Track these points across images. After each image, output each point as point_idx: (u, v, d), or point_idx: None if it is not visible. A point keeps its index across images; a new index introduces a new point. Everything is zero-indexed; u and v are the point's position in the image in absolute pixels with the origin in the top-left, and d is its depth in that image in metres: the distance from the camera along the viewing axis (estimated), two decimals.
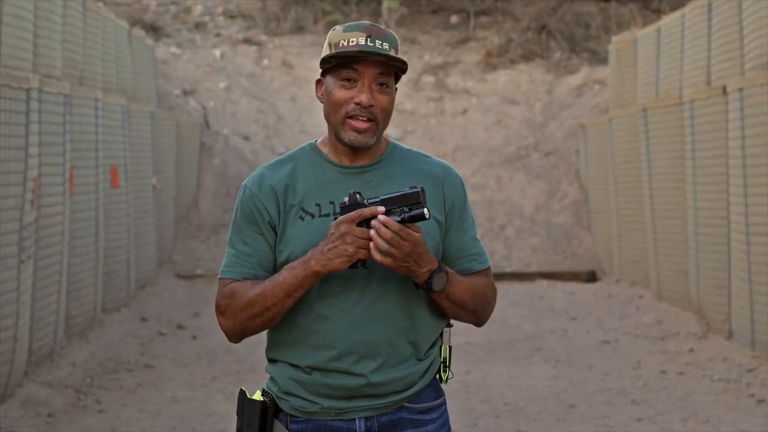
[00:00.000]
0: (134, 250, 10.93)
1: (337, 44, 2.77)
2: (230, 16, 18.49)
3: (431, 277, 2.73)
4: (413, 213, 2.68)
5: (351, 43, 2.75)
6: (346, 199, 2.71)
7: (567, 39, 17.28)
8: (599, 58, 16.63)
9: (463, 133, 15.86)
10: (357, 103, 2.75)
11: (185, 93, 15.69)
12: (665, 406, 7.12)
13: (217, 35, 17.85)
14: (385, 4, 18.15)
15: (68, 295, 8.54)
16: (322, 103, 2.83)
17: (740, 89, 8.09)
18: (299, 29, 18.17)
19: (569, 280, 12.94)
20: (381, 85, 2.78)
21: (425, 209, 2.67)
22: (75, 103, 8.65)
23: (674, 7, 16.17)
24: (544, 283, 12.74)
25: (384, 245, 2.66)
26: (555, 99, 16.13)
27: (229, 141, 15.13)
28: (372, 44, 2.75)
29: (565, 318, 10.61)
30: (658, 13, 17.22)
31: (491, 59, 17.19)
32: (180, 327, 10.19)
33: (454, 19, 18.33)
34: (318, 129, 15.69)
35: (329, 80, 2.80)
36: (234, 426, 6.96)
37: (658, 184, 10.67)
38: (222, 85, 16.29)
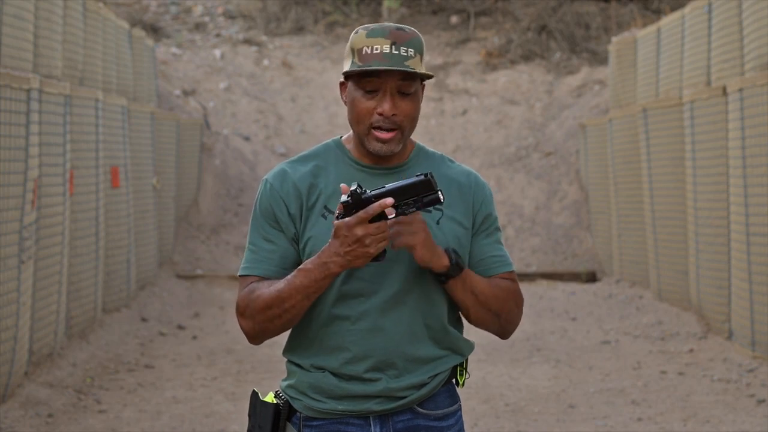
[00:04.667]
0: (134, 251, 10.93)
1: (360, 50, 2.70)
2: (230, 16, 18.49)
3: (449, 254, 2.69)
4: (429, 199, 2.61)
5: (375, 51, 2.69)
6: (348, 198, 2.62)
7: (567, 39, 17.28)
8: (599, 58, 16.64)
9: (463, 133, 15.86)
10: (380, 114, 2.71)
11: (185, 93, 15.70)
12: (665, 406, 7.12)
13: (218, 36, 17.86)
14: (385, 5, 18.15)
15: (68, 295, 8.54)
16: (346, 106, 2.79)
17: (740, 89, 8.09)
18: (299, 29, 18.18)
19: (569, 280, 12.94)
20: (403, 91, 2.72)
21: (439, 192, 2.61)
22: (75, 103, 8.65)
23: (674, 7, 16.19)
24: (544, 283, 12.74)
25: (401, 229, 2.63)
26: (555, 99, 16.14)
27: (230, 141, 15.14)
28: (396, 51, 2.69)
29: (565, 318, 10.61)
30: (658, 13, 17.23)
31: (491, 59, 17.19)
32: (180, 327, 10.19)
33: (454, 19, 18.33)
34: (318, 129, 15.70)
35: (351, 87, 2.74)
36: (235, 426, 6.98)
37: (658, 184, 10.67)
38: (222, 85, 16.30)
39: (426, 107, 16.30)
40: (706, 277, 9.22)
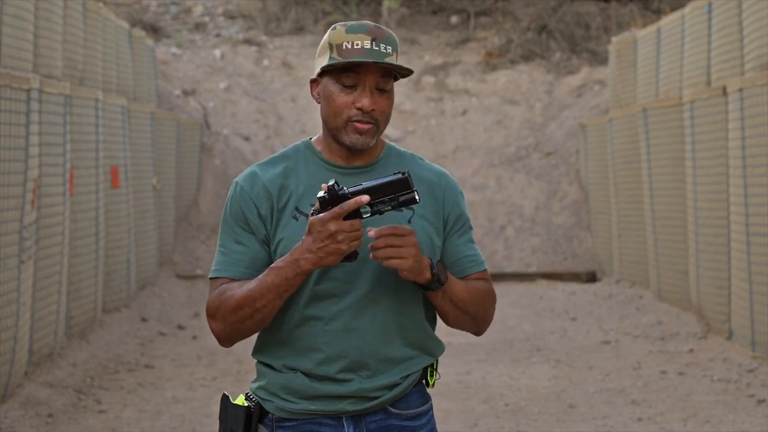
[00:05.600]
0: (134, 251, 10.93)
1: (339, 46, 2.70)
2: (230, 16, 18.49)
3: (433, 268, 2.69)
4: (404, 198, 2.60)
5: (356, 46, 2.69)
6: (324, 193, 2.61)
7: (567, 39, 17.28)
8: (599, 58, 16.64)
9: (463, 133, 15.86)
10: (359, 108, 2.71)
11: (185, 93, 15.70)
12: (665, 406, 7.12)
13: (218, 36, 17.86)
14: (385, 5, 18.15)
15: (68, 295, 8.54)
16: (318, 103, 2.78)
17: (740, 89, 8.09)
18: (299, 29, 18.18)
19: (569, 280, 12.94)
20: (381, 88, 2.73)
21: (416, 192, 2.61)
22: (75, 103, 8.65)
23: (674, 7, 16.19)
24: (544, 283, 12.74)
25: (391, 252, 2.62)
26: (555, 99, 16.13)
27: (230, 141, 15.14)
28: (377, 48, 2.70)
29: (565, 318, 10.61)
30: (658, 13, 17.24)
31: (491, 59, 17.19)
32: (180, 327, 10.19)
33: (454, 19, 18.33)
34: (318, 129, 15.64)
35: (328, 82, 2.74)
36: None
37: (658, 184, 10.67)
38: (222, 85, 16.30)
39: (426, 107, 16.30)
40: (706, 277, 9.22)
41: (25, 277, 7.00)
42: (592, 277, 13.01)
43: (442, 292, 2.72)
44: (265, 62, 17.20)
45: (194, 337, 9.73)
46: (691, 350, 8.77)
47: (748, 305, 8.05)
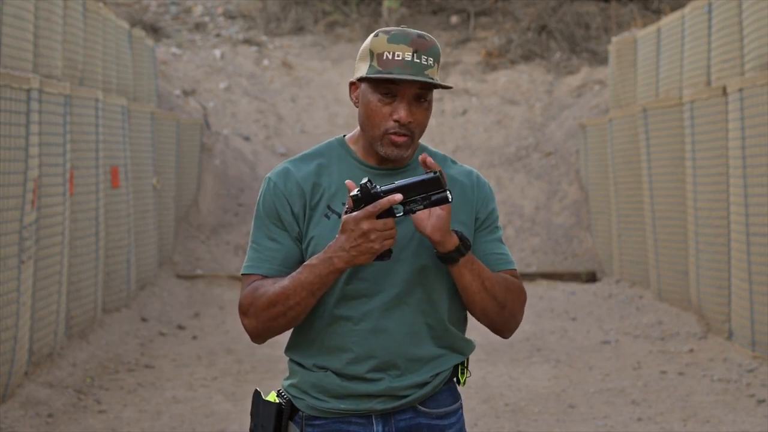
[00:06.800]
0: (134, 251, 10.93)
1: (380, 55, 2.69)
2: (230, 16, 18.49)
3: (458, 233, 2.68)
4: (436, 198, 2.61)
5: (396, 57, 2.68)
6: (357, 191, 2.61)
7: (567, 39, 17.28)
8: (599, 58, 16.64)
9: (463, 133, 15.86)
10: (396, 120, 2.70)
11: (185, 93, 15.69)
12: (665, 406, 7.12)
13: (218, 36, 17.86)
14: (385, 5, 18.15)
15: (68, 295, 8.54)
16: (356, 107, 2.78)
17: (740, 89, 8.09)
18: (299, 29, 18.18)
19: (569, 280, 12.94)
20: (419, 99, 2.73)
21: (448, 192, 2.61)
22: (75, 103, 8.65)
23: (674, 7, 16.18)
24: (544, 283, 12.74)
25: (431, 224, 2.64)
26: (555, 99, 16.13)
27: (230, 141, 15.13)
28: (418, 60, 2.69)
29: (565, 318, 10.61)
30: (658, 13, 17.24)
31: (491, 59, 17.19)
32: (180, 327, 10.19)
33: (454, 19, 18.33)
34: (318, 129, 15.70)
35: (366, 90, 2.73)
36: (235, 426, 6.97)
37: (658, 184, 10.67)
38: (222, 85, 16.30)
39: None
40: (706, 277, 9.22)
41: (25, 277, 7.00)
42: (592, 277, 13.01)
43: (470, 263, 2.70)
44: (265, 62, 17.20)
45: (194, 337, 9.72)
46: (691, 350, 8.77)
47: (748, 305, 8.05)
